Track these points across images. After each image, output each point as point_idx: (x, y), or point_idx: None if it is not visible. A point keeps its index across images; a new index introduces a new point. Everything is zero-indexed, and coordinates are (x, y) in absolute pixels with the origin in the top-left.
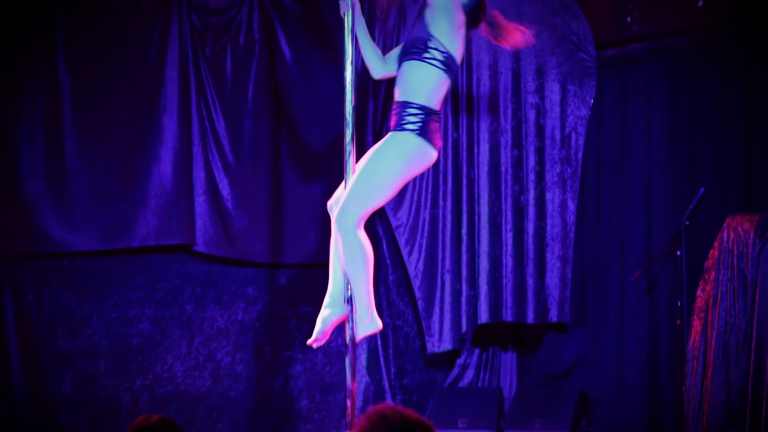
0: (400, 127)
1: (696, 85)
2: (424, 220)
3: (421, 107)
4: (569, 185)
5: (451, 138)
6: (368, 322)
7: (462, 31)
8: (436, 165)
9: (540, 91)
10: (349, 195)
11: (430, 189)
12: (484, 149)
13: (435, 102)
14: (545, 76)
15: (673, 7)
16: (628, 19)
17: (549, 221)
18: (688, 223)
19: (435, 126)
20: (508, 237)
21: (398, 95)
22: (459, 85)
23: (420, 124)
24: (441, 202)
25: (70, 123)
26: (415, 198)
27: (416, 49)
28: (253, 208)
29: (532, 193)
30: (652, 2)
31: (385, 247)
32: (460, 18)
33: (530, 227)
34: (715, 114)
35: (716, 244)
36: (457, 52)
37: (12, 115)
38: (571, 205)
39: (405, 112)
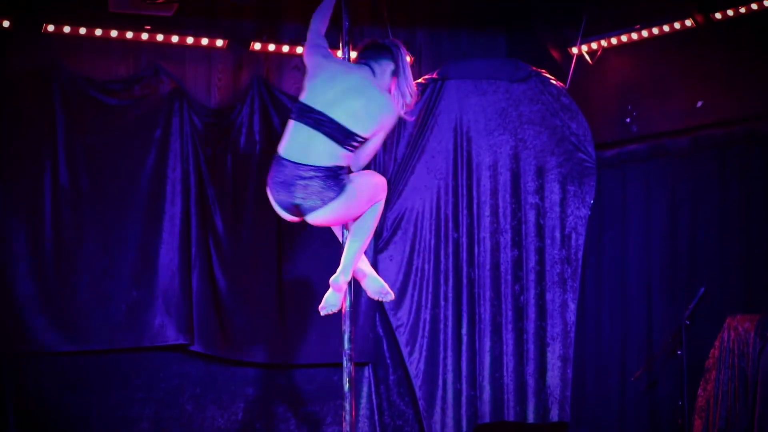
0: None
1: (696, 184)
2: (424, 320)
3: None
4: (569, 285)
5: (452, 238)
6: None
7: None
8: (436, 265)
9: (540, 191)
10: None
11: (430, 289)
12: (485, 249)
13: None
14: (545, 176)
15: (672, 108)
16: (628, 120)
17: (549, 321)
18: (688, 322)
19: None
20: (508, 337)
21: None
22: (459, 186)
23: None
24: (442, 303)
25: (71, 223)
26: (416, 298)
27: None
28: (252, 308)
29: (532, 293)
30: (651, 103)
31: (385, 347)
32: None
33: (530, 327)
34: (715, 213)
35: (717, 343)
36: None
37: (11, 212)
38: (572, 305)
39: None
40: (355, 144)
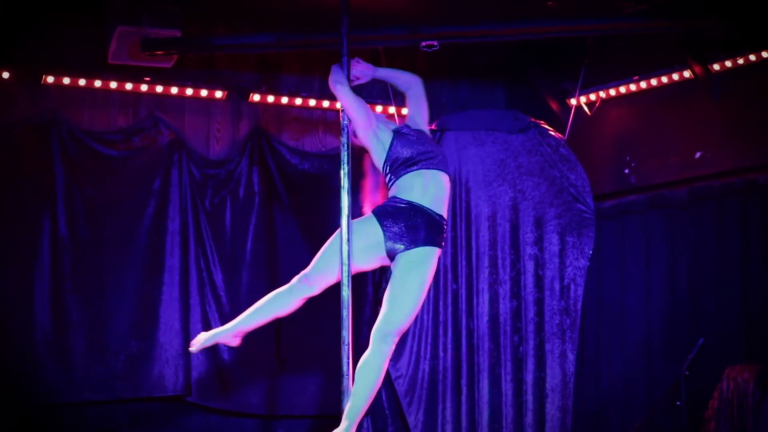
0: (436, 243)
1: (694, 235)
2: (423, 371)
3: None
4: (568, 336)
5: (451, 289)
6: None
7: None
8: (435, 316)
9: (539, 242)
10: (399, 311)
11: (429, 340)
12: (483, 300)
13: None
14: (544, 228)
15: (670, 159)
16: (626, 171)
17: (548, 372)
18: (687, 373)
19: None
20: (507, 387)
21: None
22: (458, 237)
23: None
24: (441, 354)
25: (70, 274)
26: (415, 349)
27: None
28: (250, 360)
29: (531, 344)
30: (650, 154)
31: (384, 398)
32: None
33: (529, 378)
34: (713, 263)
35: (716, 394)
36: None
37: (10, 263)
38: (571, 356)
39: (443, 228)
40: None
